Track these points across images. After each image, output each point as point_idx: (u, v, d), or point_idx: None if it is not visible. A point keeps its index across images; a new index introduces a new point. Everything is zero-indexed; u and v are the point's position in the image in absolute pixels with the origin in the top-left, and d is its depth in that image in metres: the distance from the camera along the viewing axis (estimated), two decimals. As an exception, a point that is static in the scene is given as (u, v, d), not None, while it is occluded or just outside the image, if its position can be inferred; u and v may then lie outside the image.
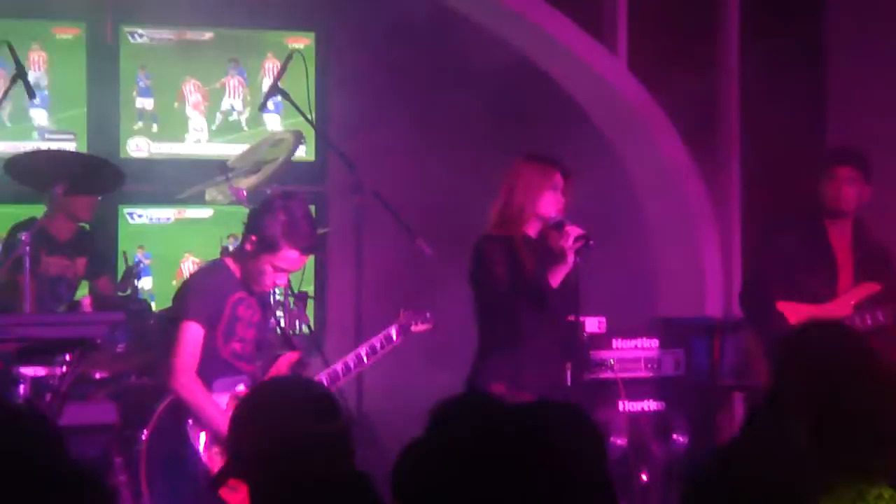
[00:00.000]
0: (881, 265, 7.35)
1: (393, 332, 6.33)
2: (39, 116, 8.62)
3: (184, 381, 5.76)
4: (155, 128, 8.92)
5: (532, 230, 6.48)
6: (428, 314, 6.50)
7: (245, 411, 3.23)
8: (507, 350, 6.34)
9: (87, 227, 7.92)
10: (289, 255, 5.85)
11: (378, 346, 6.29)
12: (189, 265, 8.69)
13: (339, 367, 6.17)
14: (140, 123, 8.90)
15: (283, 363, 5.99)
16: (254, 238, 5.85)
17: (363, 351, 6.27)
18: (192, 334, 5.78)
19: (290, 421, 3.09)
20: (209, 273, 6.02)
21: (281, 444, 3.05)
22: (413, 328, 6.42)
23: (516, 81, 8.80)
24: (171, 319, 5.97)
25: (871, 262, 7.31)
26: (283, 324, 6.77)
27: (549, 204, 6.42)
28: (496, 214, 6.46)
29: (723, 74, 8.79)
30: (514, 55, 8.78)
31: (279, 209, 5.85)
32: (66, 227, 7.75)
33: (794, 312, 7.17)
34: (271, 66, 8.78)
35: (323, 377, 6.13)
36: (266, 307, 6.19)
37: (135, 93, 8.88)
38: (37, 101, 7.36)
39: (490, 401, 2.54)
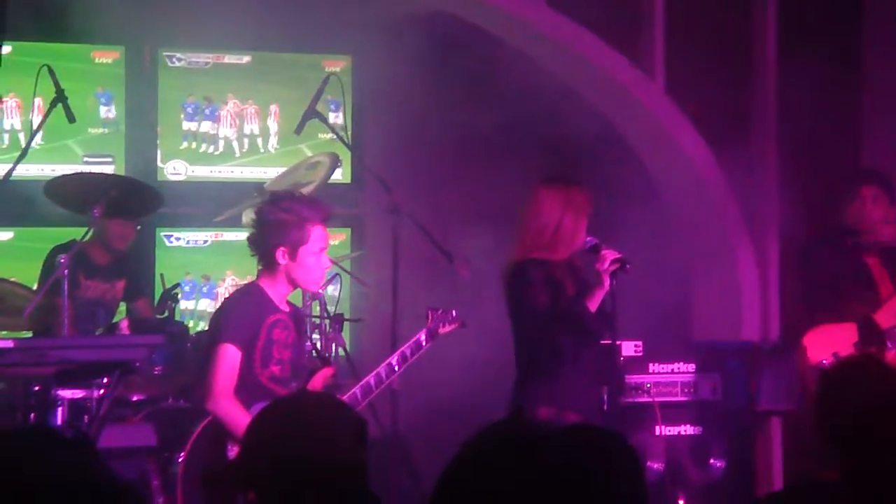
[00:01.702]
0: None
1: (422, 337, 6.34)
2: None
3: (223, 403, 5.76)
4: (205, 148, 8.99)
5: (565, 253, 6.48)
6: (454, 312, 6.50)
7: (270, 421, 3.16)
8: (548, 374, 6.33)
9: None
10: (317, 233, 5.88)
11: (409, 353, 6.30)
12: (227, 287, 8.72)
13: (371, 378, 6.18)
14: (185, 144, 8.97)
15: (319, 379, 6.00)
16: (283, 249, 5.85)
17: (394, 360, 6.28)
18: (230, 356, 5.78)
19: (316, 439, 3.03)
20: (244, 296, 6.02)
21: (302, 461, 2.99)
22: (441, 331, 6.42)
23: (552, 104, 8.80)
24: (208, 342, 5.98)
25: None
26: (317, 345, 6.79)
27: (576, 228, 6.43)
28: (533, 237, 6.44)
29: (759, 97, 8.77)
30: (549, 78, 8.78)
31: (275, 213, 5.86)
32: (105, 251, 7.80)
33: (825, 340, 7.20)
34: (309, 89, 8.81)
35: (357, 390, 6.13)
36: (300, 325, 6.20)
37: (182, 116, 8.94)
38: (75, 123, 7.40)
39: (532, 424, 2.53)
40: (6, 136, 8.53)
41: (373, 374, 6.19)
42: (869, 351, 6.99)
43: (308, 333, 7.00)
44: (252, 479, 3.02)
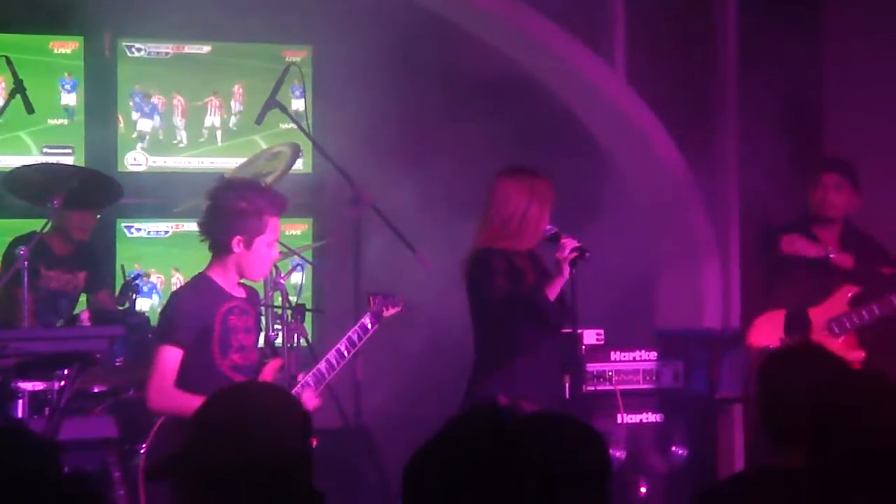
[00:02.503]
0: (874, 255, 7.46)
1: (367, 321, 6.35)
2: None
3: (156, 403, 5.73)
4: (163, 138, 8.95)
5: (527, 242, 6.49)
6: (396, 297, 6.51)
7: (212, 410, 3.11)
8: (506, 362, 6.34)
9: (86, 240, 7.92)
10: (273, 224, 5.86)
11: (356, 338, 6.31)
12: (179, 279, 8.69)
13: (322, 365, 6.17)
14: (136, 134, 8.93)
15: (268, 371, 5.98)
16: (239, 238, 5.82)
17: (342, 346, 6.29)
18: (168, 357, 5.74)
19: (259, 431, 3.01)
20: (192, 290, 5.96)
21: (243, 451, 2.97)
22: (385, 313, 6.43)
23: (515, 94, 8.82)
24: (152, 340, 5.95)
25: (863, 255, 7.41)
26: (268, 332, 6.78)
27: (539, 217, 6.44)
28: (497, 227, 6.44)
29: (721, 84, 8.80)
30: (512, 68, 8.79)
31: (233, 200, 5.83)
32: (66, 242, 7.77)
33: (773, 325, 7.27)
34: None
35: (309, 378, 6.12)
36: (258, 306, 6.17)
37: (131, 104, 8.91)
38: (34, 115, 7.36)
39: (498, 411, 2.55)
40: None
41: (322, 360, 6.18)
42: (802, 339, 7.04)
43: (270, 324, 6.99)
44: (191, 468, 2.99)
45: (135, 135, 8.94)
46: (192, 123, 9.05)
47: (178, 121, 9.02)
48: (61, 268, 7.78)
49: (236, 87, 9.08)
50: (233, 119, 9.09)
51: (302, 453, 3.02)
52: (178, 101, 9.01)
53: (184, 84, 9.01)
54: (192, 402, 5.61)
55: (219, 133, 9.08)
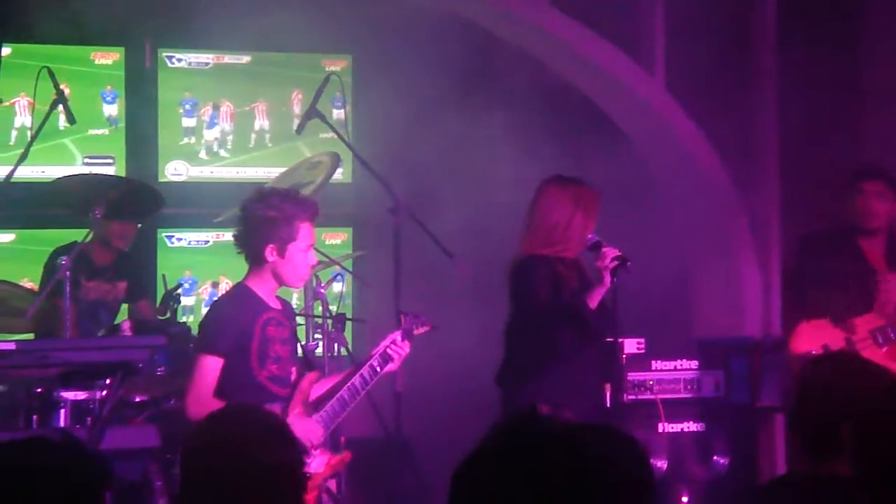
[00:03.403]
0: None
1: (398, 337, 6.35)
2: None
3: (193, 412, 5.72)
4: (205, 147, 8.99)
5: (571, 251, 6.50)
6: (424, 317, 6.51)
7: (202, 436, 3.20)
8: (547, 370, 6.33)
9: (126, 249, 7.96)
10: (305, 230, 5.85)
11: (390, 353, 6.31)
12: (224, 287, 8.73)
13: (356, 380, 6.16)
14: (185, 140, 8.98)
15: (305, 383, 5.98)
16: (272, 246, 5.84)
17: (374, 362, 6.28)
18: (208, 366, 5.75)
19: (245, 450, 3.07)
20: (231, 300, 5.98)
21: (235, 471, 3.02)
22: (415, 332, 6.43)
23: (553, 101, 8.81)
24: (192, 349, 5.96)
25: None
26: (308, 341, 6.80)
27: (584, 226, 6.46)
28: (542, 234, 6.45)
29: (761, 93, 8.76)
30: (550, 75, 8.78)
31: (263, 210, 5.84)
32: (106, 252, 7.80)
33: (816, 333, 7.21)
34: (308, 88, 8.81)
35: (344, 392, 6.12)
36: (293, 319, 6.19)
37: (181, 112, 8.96)
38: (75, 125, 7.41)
39: (539, 420, 2.55)
40: (14, 135, 8.54)
41: (357, 375, 6.17)
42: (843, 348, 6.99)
43: (310, 333, 7.01)
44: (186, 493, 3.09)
45: (185, 141, 8.98)
46: (238, 130, 9.09)
47: (227, 126, 9.07)
48: (101, 278, 7.81)
49: (277, 96, 9.11)
50: (273, 128, 9.12)
51: (285, 467, 3.09)
52: (227, 106, 9.05)
53: (224, 94, 9.05)
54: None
55: (259, 142, 9.12)
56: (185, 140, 8.98)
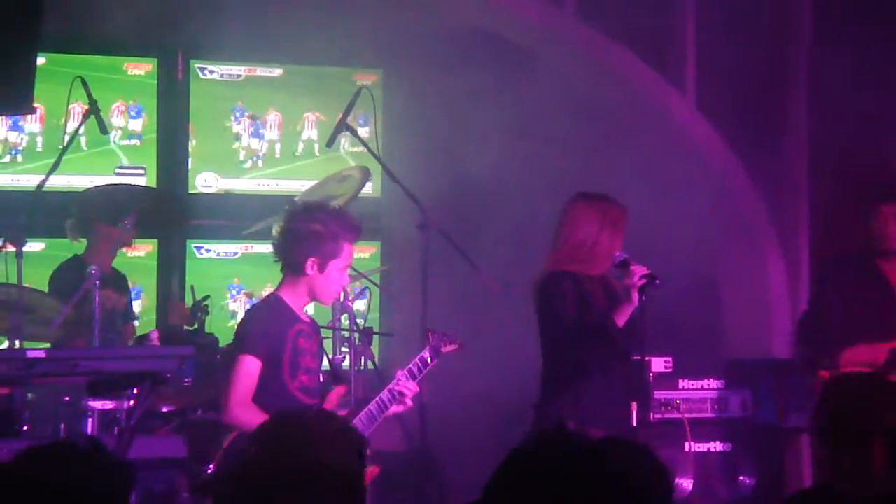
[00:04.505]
0: None
1: (427, 355, 6.36)
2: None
3: (237, 414, 5.74)
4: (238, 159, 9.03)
5: (598, 268, 6.49)
6: (452, 335, 6.53)
7: (264, 436, 3.15)
8: (574, 387, 6.32)
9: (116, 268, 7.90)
10: (348, 249, 5.92)
11: (416, 370, 6.32)
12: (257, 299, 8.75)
13: (384, 395, 6.18)
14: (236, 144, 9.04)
15: (333, 397, 6.00)
16: (314, 260, 5.86)
17: (403, 377, 6.30)
18: (248, 367, 5.78)
19: (312, 453, 3.04)
20: (266, 308, 6.01)
21: (299, 474, 2.99)
22: (443, 349, 6.45)
23: (584, 118, 8.80)
24: (229, 354, 5.98)
25: None
26: (335, 355, 6.81)
27: (611, 243, 6.44)
28: (568, 251, 6.45)
29: (791, 112, 8.75)
30: (579, 90, 8.78)
31: (310, 224, 5.87)
32: (107, 262, 7.66)
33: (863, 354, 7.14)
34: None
35: (372, 406, 6.13)
36: (320, 334, 6.21)
37: (232, 119, 9.01)
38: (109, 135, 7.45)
39: (566, 437, 2.56)
40: (39, 142, 8.59)
41: (385, 389, 6.19)
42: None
43: (336, 347, 7.02)
44: (239, 489, 3.03)
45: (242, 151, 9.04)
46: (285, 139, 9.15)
47: (276, 135, 9.11)
48: (110, 287, 7.76)
49: (307, 109, 9.13)
50: (304, 141, 9.14)
51: (354, 477, 3.05)
52: (275, 115, 9.10)
53: (255, 106, 9.09)
54: (262, 418, 5.65)
55: (290, 154, 9.14)
56: (237, 144, 9.02)
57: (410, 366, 6.34)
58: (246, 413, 5.73)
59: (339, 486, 3.00)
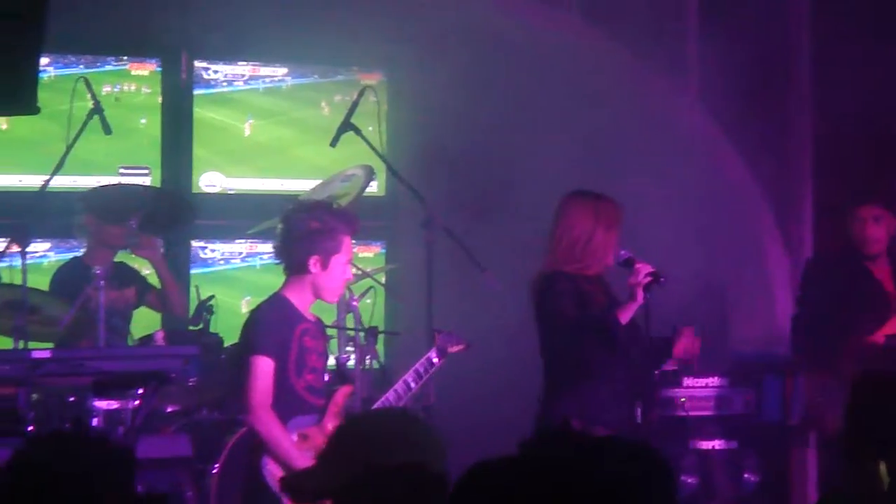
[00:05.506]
0: None
1: (433, 356, 6.38)
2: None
3: (260, 416, 5.74)
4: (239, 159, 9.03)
5: (593, 268, 6.47)
6: (458, 336, 6.55)
7: (351, 434, 3.15)
8: (577, 386, 6.32)
9: (124, 260, 7.88)
10: (348, 244, 5.94)
11: (422, 370, 6.34)
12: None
13: (390, 395, 6.20)
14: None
15: (339, 397, 6.00)
16: (316, 257, 5.87)
17: (409, 378, 6.32)
18: (263, 368, 5.78)
19: (403, 451, 3.04)
20: (271, 307, 6.01)
21: (388, 471, 2.99)
22: (450, 349, 6.47)
23: (589, 116, 8.79)
24: (239, 355, 5.98)
25: None
26: (340, 354, 6.82)
27: (606, 242, 6.42)
28: (564, 250, 6.43)
29: (795, 108, 8.75)
30: (582, 90, 8.78)
31: (308, 222, 5.88)
32: (106, 260, 7.65)
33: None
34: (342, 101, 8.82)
35: (378, 407, 6.15)
36: (325, 334, 6.22)
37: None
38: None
39: (569, 435, 2.56)
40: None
41: (391, 390, 6.20)
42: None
43: (342, 346, 7.03)
44: (334, 487, 3.02)
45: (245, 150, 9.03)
46: (278, 142, 9.13)
47: (279, 134, 9.11)
48: (114, 286, 7.73)
49: (311, 109, 9.13)
50: (308, 140, 9.13)
51: (441, 475, 3.05)
52: (279, 115, 9.09)
53: (264, 105, 9.09)
54: (280, 430, 5.67)
55: (293, 154, 9.14)
56: (239, 144, 9.02)
57: (417, 366, 6.35)
58: (269, 418, 5.72)
59: (427, 482, 3.01)
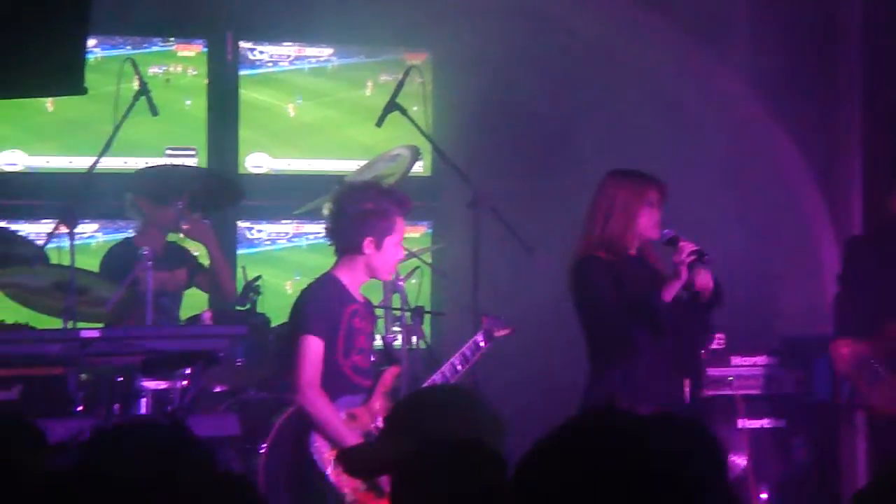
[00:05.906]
0: None
1: (480, 339, 6.39)
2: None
3: (310, 396, 5.77)
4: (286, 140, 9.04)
5: (632, 248, 6.41)
6: (504, 320, 6.55)
7: (411, 408, 3.16)
8: (622, 365, 6.29)
9: (176, 241, 7.90)
10: (401, 224, 6.01)
11: (469, 353, 6.35)
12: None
13: (437, 377, 6.21)
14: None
15: (388, 377, 6.01)
16: (370, 238, 5.88)
17: (456, 360, 6.33)
18: (313, 348, 5.80)
19: (463, 427, 3.05)
20: (322, 287, 6.04)
21: (449, 447, 2.98)
22: (496, 333, 6.48)
23: (637, 98, 8.74)
24: (289, 335, 6.00)
25: None
26: (387, 334, 6.83)
27: (647, 222, 6.35)
28: (596, 235, 6.38)
29: (845, 90, 8.67)
30: (630, 71, 8.74)
31: (362, 203, 5.90)
32: (158, 242, 7.67)
33: None
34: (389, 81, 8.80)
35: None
36: (374, 315, 6.24)
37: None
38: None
39: (615, 414, 2.54)
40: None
41: (438, 372, 6.21)
42: None
43: (388, 326, 7.03)
44: (391, 461, 3.02)
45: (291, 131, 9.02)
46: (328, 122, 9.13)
47: (325, 115, 9.10)
48: (157, 267, 7.73)
49: (357, 89, 9.12)
50: (354, 120, 9.12)
51: (499, 453, 3.05)
52: (324, 96, 9.08)
53: (304, 86, 9.08)
54: (330, 409, 5.68)
55: (340, 134, 9.13)
56: (285, 125, 9.02)
57: (464, 349, 6.36)
58: (318, 397, 5.75)
59: (486, 459, 3.00)
